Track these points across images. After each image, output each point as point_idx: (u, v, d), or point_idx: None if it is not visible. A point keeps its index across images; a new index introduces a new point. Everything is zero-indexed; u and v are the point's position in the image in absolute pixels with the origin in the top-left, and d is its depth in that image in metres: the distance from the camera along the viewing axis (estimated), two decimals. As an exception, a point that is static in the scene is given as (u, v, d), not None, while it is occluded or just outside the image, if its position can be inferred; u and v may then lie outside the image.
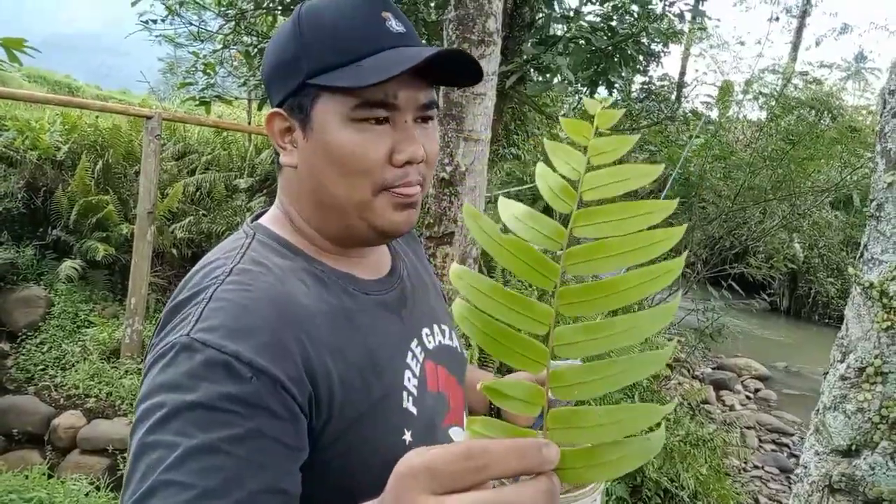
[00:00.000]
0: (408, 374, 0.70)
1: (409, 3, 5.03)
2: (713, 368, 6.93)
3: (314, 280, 0.67)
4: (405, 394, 0.68)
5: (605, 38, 4.81)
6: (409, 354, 0.72)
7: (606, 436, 0.33)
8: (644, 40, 5.19)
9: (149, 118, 4.37)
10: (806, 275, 9.33)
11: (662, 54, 5.86)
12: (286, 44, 0.67)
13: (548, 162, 0.41)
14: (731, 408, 5.86)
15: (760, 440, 5.26)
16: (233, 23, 5.41)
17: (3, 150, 5.08)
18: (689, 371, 6.27)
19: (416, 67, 0.61)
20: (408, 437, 0.67)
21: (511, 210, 0.39)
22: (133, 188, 5.33)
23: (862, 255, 1.40)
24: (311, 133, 0.66)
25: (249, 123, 7.53)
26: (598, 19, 5.14)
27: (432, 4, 5.33)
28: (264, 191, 6.33)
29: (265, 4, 5.31)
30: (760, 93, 7.23)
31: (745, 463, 4.73)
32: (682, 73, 11.34)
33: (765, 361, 7.23)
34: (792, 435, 5.39)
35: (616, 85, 5.60)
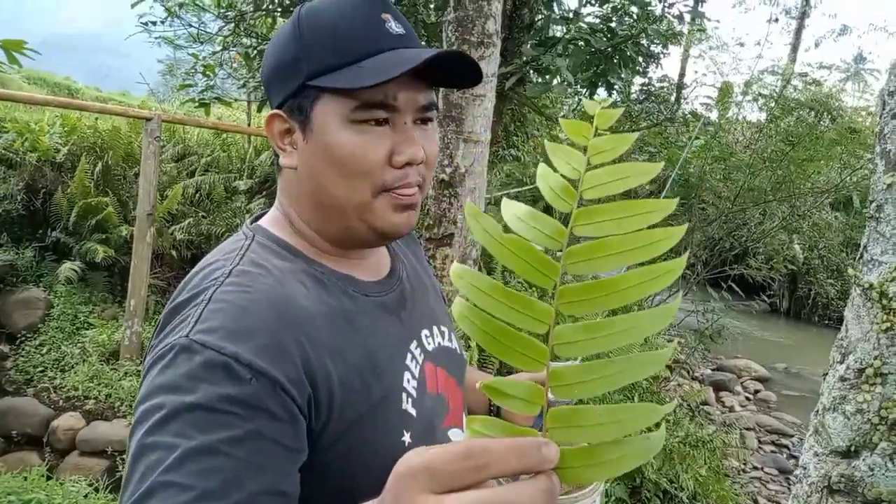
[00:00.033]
0: (407, 375, 0.70)
1: (409, 5, 5.03)
2: (713, 370, 6.93)
3: (314, 282, 0.67)
4: (404, 395, 0.68)
5: (605, 39, 4.81)
6: (409, 356, 0.72)
7: (606, 435, 0.33)
8: (643, 42, 5.20)
9: (148, 120, 4.37)
10: (806, 276, 9.33)
11: (662, 56, 5.86)
12: (286, 45, 0.67)
13: (548, 163, 0.41)
14: (731, 409, 5.86)
15: (760, 441, 5.26)
16: (232, 24, 5.41)
17: (3, 151, 5.08)
18: (688, 372, 6.27)
19: (416, 69, 0.61)
20: (407, 438, 0.67)
21: (513, 210, 0.39)
22: (132, 190, 5.33)
23: (861, 257, 1.40)
24: (310, 134, 0.66)
25: (249, 125, 7.53)
26: (598, 21, 5.15)
27: (432, 6, 5.33)
28: (264, 192, 6.33)
29: (265, 6, 5.32)
30: (760, 94, 7.24)
31: (744, 464, 4.73)
32: (682, 75, 11.35)
33: (764, 363, 7.23)
34: (791, 436, 5.38)
35: (615, 86, 5.60)
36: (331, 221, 0.70)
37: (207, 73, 5.58)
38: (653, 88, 6.85)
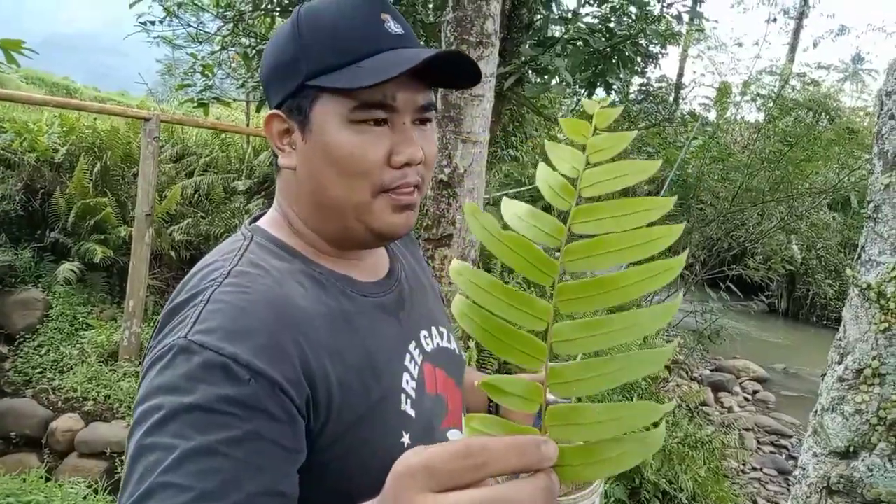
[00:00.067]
0: (406, 376, 0.70)
1: (408, 5, 5.03)
2: (711, 370, 6.93)
3: (312, 282, 0.67)
4: (403, 396, 0.68)
5: (603, 39, 4.82)
6: (408, 357, 0.72)
7: (605, 433, 0.33)
8: (642, 42, 5.20)
9: (147, 120, 4.36)
10: (804, 276, 9.34)
11: (660, 56, 5.87)
12: (285, 45, 0.67)
13: (548, 162, 0.41)
14: (730, 409, 5.86)
15: (759, 442, 5.26)
16: (231, 24, 5.41)
17: (1, 151, 5.07)
18: (687, 373, 6.28)
19: (415, 69, 0.61)
20: (406, 439, 0.67)
21: (513, 209, 0.40)
22: (131, 190, 5.32)
23: (859, 257, 1.41)
24: (309, 134, 0.66)
25: (248, 125, 7.53)
26: (596, 21, 5.15)
27: (430, 6, 5.33)
28: (262, 193, 6.33)
29: (263, 6, 5.31)
30: (758, 94, 7.25)
31: (743, 465, 4.73)
32: (680, 75, 11.37)
33: (763, 363, 7.23)
34: (790, 437, 5.39)
35: (614, 86, 5.61)
36: (329, 222, 0.70)
37: (206, 72, 5.58)
38: (651, 88, 6.85)
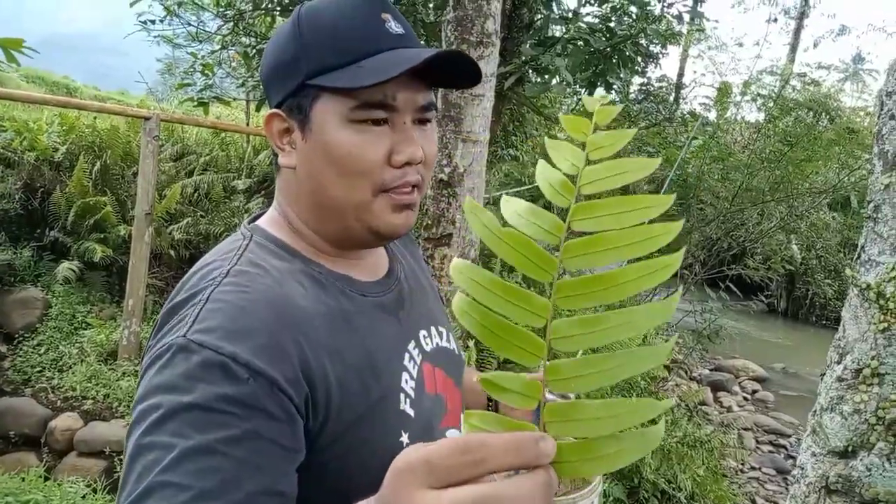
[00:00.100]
0: (405, 376, 0.70)
1: (408, 4, 5.03)
2: (711, 370, 6.94)
3: (312, 282, 0.67)
4: (402, 396, 0.68)
5: (604, 39, 4.82)
6: (407, 356, 0.72)
7: (604, 429, 0.33)
8: (642, 42, 5.21)
9: (147, 119, 4.36)
10: (803, 276, 9.35)
11: (661, 56, 5.88)
12: (285, 44, 0.67)
13: (547, 160, 0.41)
14: (729, 409, 5.87)
15: (758, 441, 5.26)
16: (231, 23, 5.41)
17: (1, 150, 5.07)
18: (686, 372, 6.28)
19: (415, 69, 0.61)
20: (405, 438, 0.67)
21: (513, 207, 0.40)
22: (131, 189, 5.32)
23: (859, 257, 1.41)
24: (309, 134, 0.66)
25: (248, 124, 7.53)
26: (597, 20, 5.15)
27: (431, 5, 5.33)
28: (262, 192, 6.33)
29: (264, 5, 5.31)
30: (758, 94, 7.25)
31: (742, 464, 4.73)
32: (681, 75, 11.38)
33: (762, 363, 7.24)
34: (789, 436, 5.39)
35: (614, 86, 5.62)
36: (329, 221, 0.70)
37: (206, 72, 5.58)
38: (651, 88, 6.86)
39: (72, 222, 5.00)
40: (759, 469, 4.73)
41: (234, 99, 6.93)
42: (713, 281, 6.87)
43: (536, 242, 0.38)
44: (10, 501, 2.34)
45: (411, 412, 0.69)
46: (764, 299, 8.78)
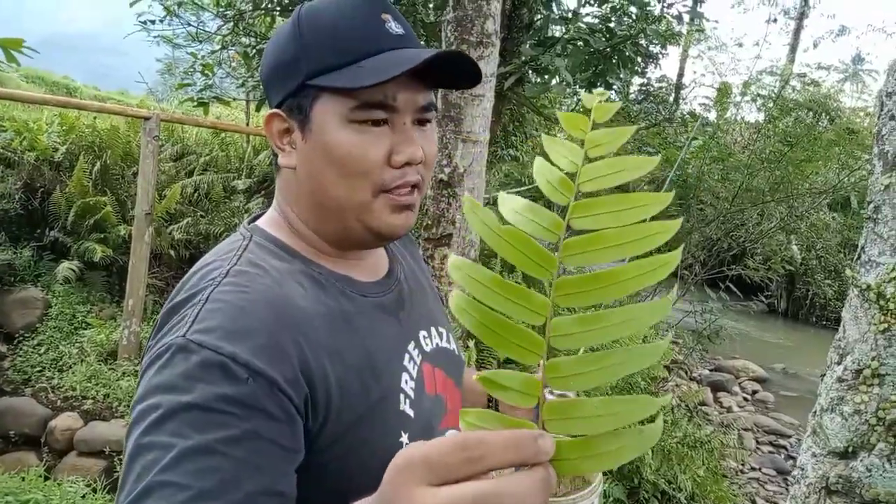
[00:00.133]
0: (405, 376, 0.70)
1: (408, 5, 5.03)
2: (711, 370, 6.94)
3: (312, 282, 0.67)
4: (402, 396, 0.68)
5: (604, 39, 4.82)
6: (407, 357, 0.72)
7: (603, 427, 0.33)
8: (642, 42, 5.21)
9: (147, 119, 4.36)
10: (803, 277, 9.35)
11: (660, 56, 5.88)
12: (285, 45, 0.67)
13: (546, 158, 0.41)
14: (729, 409, 5.87)
15: (758, 442, 5.26)
16: (231, 23, 5.41)
17: (1, 150, 5.07)
18: (686, 373, 6.28)
19: (415, 69, 0.61)
20: (405, 439, 0.67)
21: (511, 204, 0.39)
22: (131, 189, 5.32)
23: (859, 257, 1.41)
24: (309, 134, 0.66)
25: (248, 124, 7.53)
26: (597, 21, 5.16)
27: (431, 6, 5.33)
28: (262, 192, 6.33)
29: (264, 5, 5.31)
30: (758, 94, 7.25)
31: (742, 465, 4.73)
32: (681, 75, 11.38)
33: (762, 363, 7.23)
34: (789, 437, 5.39)
35: (614, 86, 5.62)
36: (329, 222, 0.70)
37: (206, 72, 5.58)
38: (651, 89, 6.86)
39: (72, 222, 5.00)
40: (760, 469, 4.73)
41: (234, 99, 6.93)
42: (713, 281, 6.87)
43: (536, 240, 0.38)
44: (10, 501, 2.34)
45: (411, 413, 0.69)
46: (764, 300, 8.78)
